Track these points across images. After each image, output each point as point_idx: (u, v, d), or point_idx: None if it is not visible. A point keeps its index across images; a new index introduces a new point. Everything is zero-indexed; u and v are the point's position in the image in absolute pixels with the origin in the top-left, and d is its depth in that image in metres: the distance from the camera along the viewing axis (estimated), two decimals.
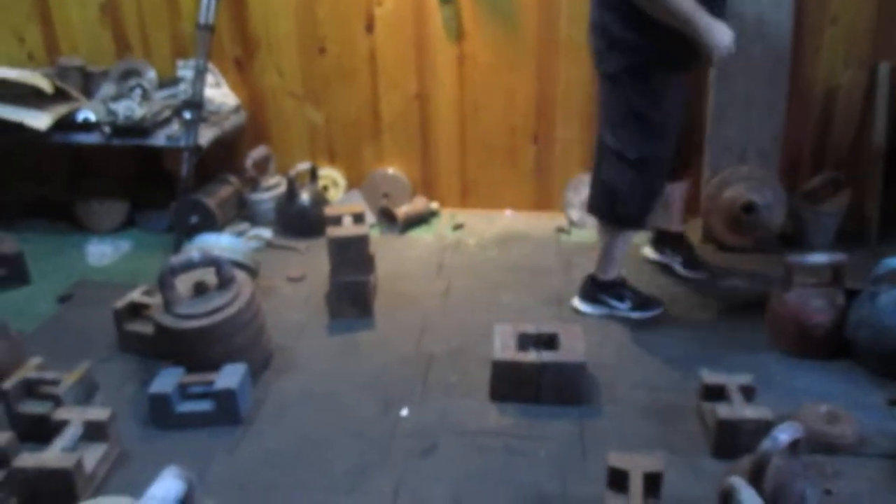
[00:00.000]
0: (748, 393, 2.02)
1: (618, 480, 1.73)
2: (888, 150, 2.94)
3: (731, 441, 1.93)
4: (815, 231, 3.00)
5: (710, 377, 2.09)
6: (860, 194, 3.01)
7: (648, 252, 2.96)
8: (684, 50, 2.20)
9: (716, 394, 2.05)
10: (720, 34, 2.17)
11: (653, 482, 1.71)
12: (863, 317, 2.24)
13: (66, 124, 3.00)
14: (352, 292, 2.60)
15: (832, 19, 2.87)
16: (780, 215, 2.98)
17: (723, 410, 1.95)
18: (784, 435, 1.59)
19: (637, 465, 1.73)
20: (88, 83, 3.21)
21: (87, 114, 3.01)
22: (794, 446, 1.63)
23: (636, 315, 2.57)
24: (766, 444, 1.59)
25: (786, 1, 2.83)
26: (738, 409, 1.95)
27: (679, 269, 2.84)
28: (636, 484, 1.69)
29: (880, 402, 2.15)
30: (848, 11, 2.85)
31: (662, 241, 2.91)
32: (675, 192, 2.75)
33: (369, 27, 3.18)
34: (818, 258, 2.36)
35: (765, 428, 1.74)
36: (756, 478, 1.58)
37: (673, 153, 2.40)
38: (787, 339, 2.37)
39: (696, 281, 2.80)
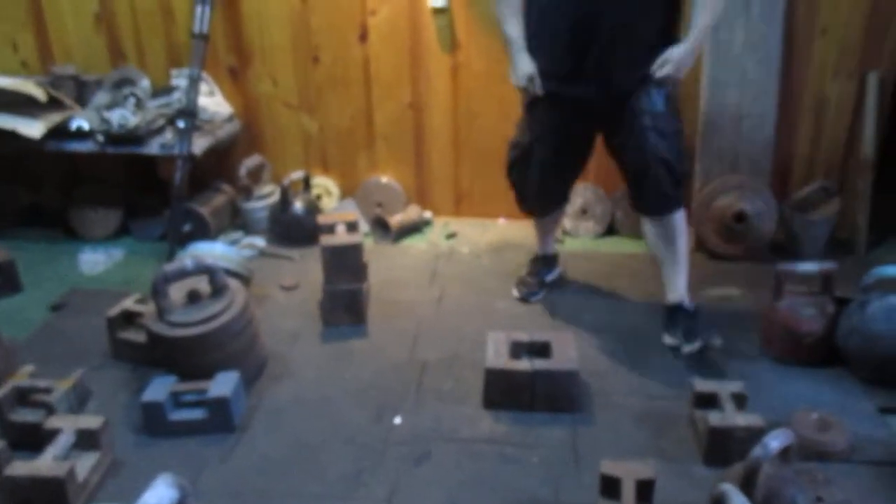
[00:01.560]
0: (740, 400, 2.03)
1: (610, 488, 1.73)
2: (877, 160, 2.97)
3: (723, 448, 1.94)
4: (805, 240, 3.02)
5: (702, 385, 2.10)
6: (850, 203, 3.04)
7: None
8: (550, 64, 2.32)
9: (708, 401, 2.06)
10: (515, 69, 2.38)
11: (645, 489, 1.72)
12: (853, 325, 2.25)
13: (59, 132, 3.00)
14: (345, 300, 2.60)
15: (822, 30, 2.90)
16: (771, 224, 3.01)
17: (714, 418, 1.96)
18: (775, 442, 1.60)
19: (629, 472, 1.73)
20: (82, 91, 3.21)
21: (80, 122, 3.01)
22: (785, 453, 1.64)
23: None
24: (757, 452, 1.60)
25: (775, 13, 2.86)
26: (730, 417, 1.96)
27: None
28: (628, 491, 1.70)
29: (871, 409, 2.16)
30: (837, 22, 2.88)
31: None
32: None
33: (363, 37, 3.19)
34: (808, 267, 2.39)
35: (756, 435, 1.75)
36: (747, 485, 1.59)
37: (544, 171, 2.50)
38: (778, 346, 2.39)
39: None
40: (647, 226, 2.48)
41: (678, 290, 2.47)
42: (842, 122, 3.02)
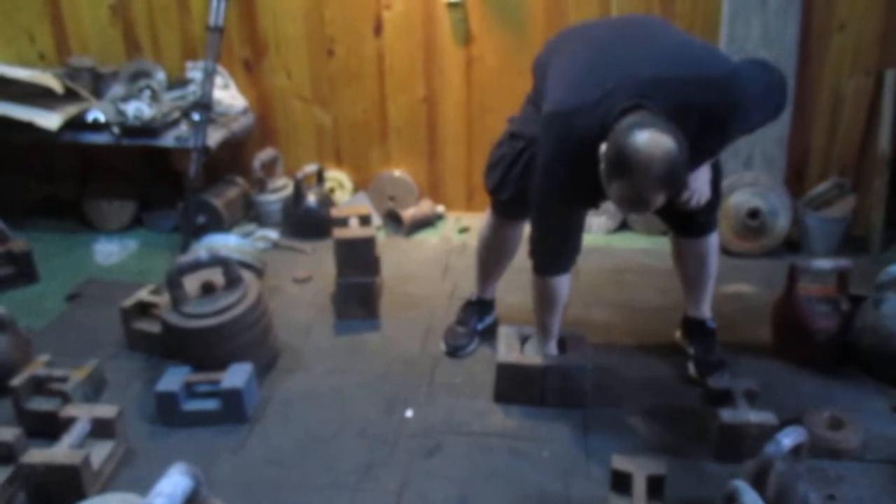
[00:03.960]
0: (752, 398, 2.03)
1: (621, 483, 1.74)
2: (893, 157, 2.94)
3: (735, 445, 1.94)
4: (820, 237, 3.00)
5: (715, 382, 2.10)
6: (865, 201, 3.02)
7: None
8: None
9: (720, 398, 2.05)
10: (544, 347, 2.20)
11: (656, 485, 1.73)
12: (867, 323, 2.24)
13: (76, 124, 3.02)
14: (358, 293, 2.61)
15: (839, 26, 2.88)
16: (786, 221, 2.99)
17: (727, 415, 1.95)
18: (787, 439, 1.60)
19: (640, 467, 1.74)
20: (98, 83, 3.23)
21: (96, 114, 3.03)
22: (797, 451, 1.64)
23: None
24: (769, 449, 1.60)
25: (792, 9, 2.84)
26: (742, 414, 1.96)
27: None
28: (639, 486, 1.71)
29: (884, 408, 2.15)
30: (855, 19, 2.86)
31: None
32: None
33: (377, 30, 3.19)
34: (823, 264, 2.37)
35: (768, 432, 1.74)
36: (759, 481, 1.59)
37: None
38: (791, 344, 2.38)
39: None
40: (680, 244, 2.30)
41: (702, 307, 2.35)
42: (858, 119, 3.00)
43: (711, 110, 1.77)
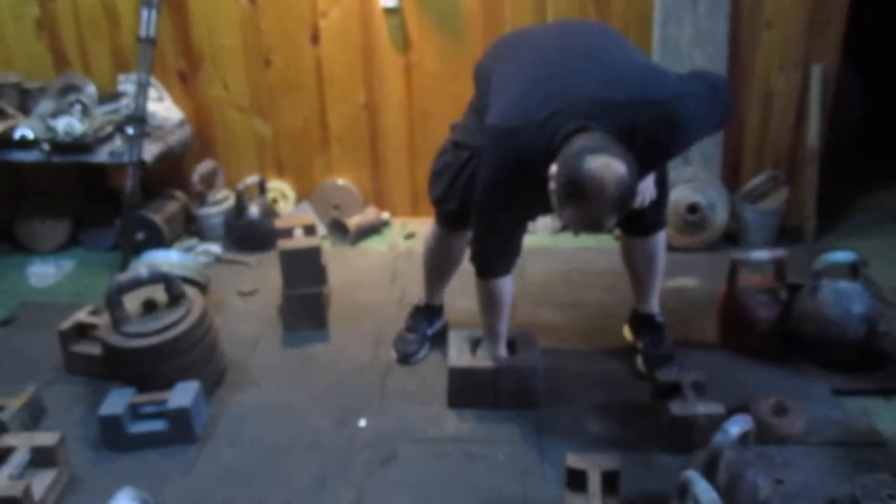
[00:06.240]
0: (700, 389, 2.07)
1: (576, 480, 1.76)
2: (823, 149, 3.05)
3: (685, 436, 1.97)
4: (757, 229, 3.09)
5: (663, 375, 2.13)
6: (798, 192, 3.12)
7: None
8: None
9: (669, 391, 2.08)
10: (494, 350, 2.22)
11: (611, 480, 1.74)
12: (805, 310, 2.31)
13: (2, 142, 2.91)
14: (305, 304, 2.58)
15: (767, 24, 2.97)
16: (724, 215, 3.07)
17: (676, 407, 1.99)
18: (735, 428, 1.64)
19: (595, 464, 1.76)
20: (25, 100, 3.12)
21: (24, 131, 2.92)
22: (744, 438, 1.67)
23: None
24: (718, 438, 1.63)
25: (722, 8, 2.92)
26: (691, 405, 1.99)
27: None
28: (594, 483, 1.72)
29: (825, 391, 2.22)
30: (782, 17, 2.95)
31: None
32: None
33: (314, 38, 3.17)
34: (761, 255, 2.44)
35: (717, 422, 1.78)
36: (710, 470, 1.62)
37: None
38: (734, 334, 2.44)
39: None
40: (629, 242, 2.30)
41: (651, 303, 2.37)
42: (788, 113, 3.10)
43: (656, 132, 1.79)
